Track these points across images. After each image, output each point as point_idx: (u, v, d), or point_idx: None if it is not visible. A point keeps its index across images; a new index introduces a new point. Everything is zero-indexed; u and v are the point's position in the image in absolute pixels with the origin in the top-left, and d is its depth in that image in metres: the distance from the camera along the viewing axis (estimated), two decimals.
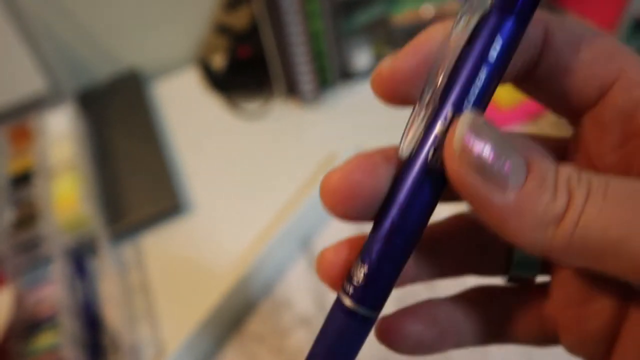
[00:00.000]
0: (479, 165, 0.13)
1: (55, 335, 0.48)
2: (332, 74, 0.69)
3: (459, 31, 0.14)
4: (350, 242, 0.17)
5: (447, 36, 0.15)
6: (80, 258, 0.55)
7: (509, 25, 0.14)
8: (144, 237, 0.58)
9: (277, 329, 0.48)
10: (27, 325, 0.49)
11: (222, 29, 0.73)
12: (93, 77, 0.75)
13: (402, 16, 0.67)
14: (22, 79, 0.64)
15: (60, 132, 0.62)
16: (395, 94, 0.16)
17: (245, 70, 0.72)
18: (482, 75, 0.14)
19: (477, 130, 0.13)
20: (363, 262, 0.15)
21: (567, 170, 0.13)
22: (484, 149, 0.13)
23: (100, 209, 0.58)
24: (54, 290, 0.50)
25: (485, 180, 0.13)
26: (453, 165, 0.13)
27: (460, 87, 0.14)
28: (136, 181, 0.61)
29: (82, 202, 0.55)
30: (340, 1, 0.63)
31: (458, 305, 0.19)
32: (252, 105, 0.70)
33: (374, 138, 0.61)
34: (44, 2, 0.67)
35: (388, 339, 0.18)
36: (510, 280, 0.18)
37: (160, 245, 0.57)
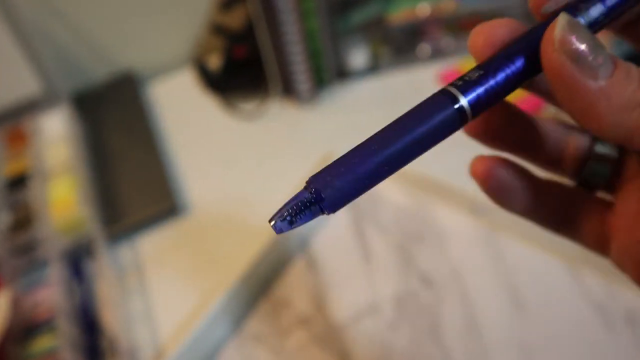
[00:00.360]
0: (575, 55, 0.15)
1: (53, 339, 0.48)
2: (328, 73, 0.68)
3: None
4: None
5: None
6: (78, 260, 0.55)
7: None
8: (141, 239, 0.57)
9: (276, 330, 0.48)
10: (25, 328, 0.48)
11: (217, 29, 0.73)
12: (89, 78, 0.75)
13: (398, 15, 0.67)
14: (17, 81, 0.64)
15: (56, 134, 0.61)
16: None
17: (241, 71, 0.72)
18: None
19: (574, 28, 0.15)
20: (480, 68, 0.17)
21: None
22: (581, 43, 0.15)
23: (97, 210, 0.58)
24: (51, 293, 0.50)
25: (580, 68, 0.15)
26: (552, 54, 0.15)
27: None
28: (133, 183, 0.61)
29: (78, 204, 0.54)
30: (336, 0, 0.63)
31: (542, 182, 0.21)
32: (249, 106, 0.70)
33: None
34: (38, 4, 0.67)
35: (479, 174, 0.21)
36: (579, 184, 0.21)
37: (157, 247, 0.57)
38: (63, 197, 0.56)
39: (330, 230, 0.55)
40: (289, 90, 0.69)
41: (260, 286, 0.51)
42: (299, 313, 0.49)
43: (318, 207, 0.16)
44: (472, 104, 0.16)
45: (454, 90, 0.16)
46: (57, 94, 0.68)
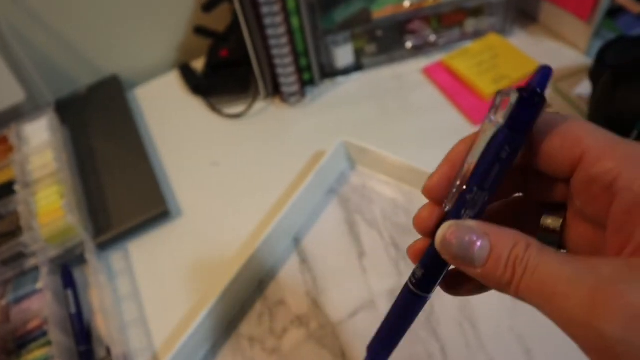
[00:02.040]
0: (453, 256, 0.21)
1: (45, 348, 0.47)
2: (315, 72, 0.68)
3: (480, 143, 0.21)
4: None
5: (468, 149, 0.22)
6: (68, 268, 0.54)
7: (517, 138, 0.20)
8: (132, 244, 0.57)
9: (271, 329, 0.48)
10: (17, 339, 0.48)
11: (201, 32, 0.72)
12: (74, 85, 0.75)
13: (381, 11, 0.67)
14: (1, 90, 0.63)
15: (42, 141, 0.61)
16: (439, 198, 0.24)
17: (226, 72, 0.71)
18: (495, 169, 0.21)
19: (452, 234, 0.21)
20: (422, 267, 0.24)
21: (516, 252, 0.19)
22: (456, 247, 0.20)
23: (87, 217, 0.57)
24: (42, 302, 0.49)
25: (461, 263, 0.21)
26: (441, 252, 0.21)
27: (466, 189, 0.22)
28: (122, 188, 0.60)
29: (66, 212, 0.54)
30: None
31: None
32: (236, 107, 0.70)
33: (360, 134, 0.62)
34: (19, 13, 0.66)
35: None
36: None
37: (149, 252, 0.56)
38: (51, 205, 0.55)
39: (322, 228, 0.55)
40: (276, 90, 0.69)
41: (254, 286, 0.51)
42: (295, 312, 0.49)
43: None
44: (427, 292, 0.24)
45: (414, 289, 0.24)
46: (42, 102, 0.68)
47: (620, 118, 0.48)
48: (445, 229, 0.21)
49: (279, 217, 0.52)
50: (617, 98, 0.49)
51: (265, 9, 0.59)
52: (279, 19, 0.60)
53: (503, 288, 0.20)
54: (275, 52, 0.63)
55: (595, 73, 0.56)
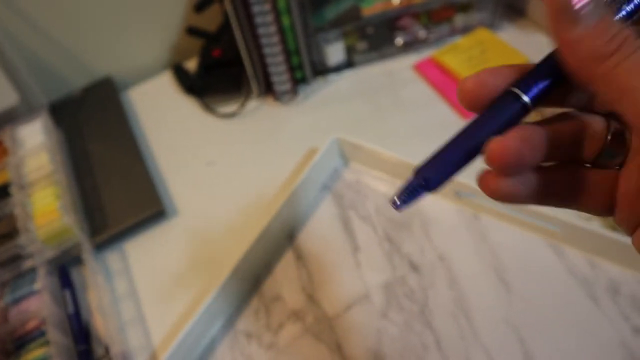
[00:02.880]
0: (561, 6, 0.18)
1: (44, 349, 0.47)
2: (306, 70, 0.69)
3: None
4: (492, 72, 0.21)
5: None
6: (66, 269, 0.55)
7: None
8: (129, 244, 0.57)
9: (268, 325, 0.49)
10: (15, 340, 0.48)
11: (193, 32, 0.73)
12: (67, 87, 0.75)
13: (371, 8, 0.68)
14: None
15: (37, 143, 0.61)
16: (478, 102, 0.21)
17: (219, 72, 0.72)
18: None
19: None
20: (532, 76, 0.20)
21: (627, 32, 0.17)
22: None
23: (83, 218, 0.58)
24: (40, 303, 0.50)
25: (563, 16, 0.18)
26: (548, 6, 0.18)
27: None
28: (118, 188, 0.61)
29: (62, 213, 0.54)
30: None
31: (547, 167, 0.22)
32: (230, 107, 0.70)
33: (352, 131, 0.62)
34: (11, 16, 0.66)
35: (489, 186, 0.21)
36: (594, 164, 0.22)
37: (145, 252, 0.57)
38: (47, 206, 0.55)
39: (316, 224, 0.55)
40: (268, 88, 0.69)
41: (250, 283, 0.52)
42: (291, 306, 0.50)
43: (424, 189, 0.21)
44: (533, 98, 0.20)
45: (520, 94, 0.20)
46: (36, 104, 0.68)
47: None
48: None
49: (274, 214, 0.53)
50: None
51: (255, 8, 0.60)
52: (269, 17, 0.61)
53: (594, 62, 0.17)
54: (266, 51, 0.64)
55: None
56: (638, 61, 0.17)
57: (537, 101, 0.20)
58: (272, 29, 0.62)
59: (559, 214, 0.48)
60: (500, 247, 0.50)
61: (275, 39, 0.63)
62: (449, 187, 0.53)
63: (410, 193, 0.21)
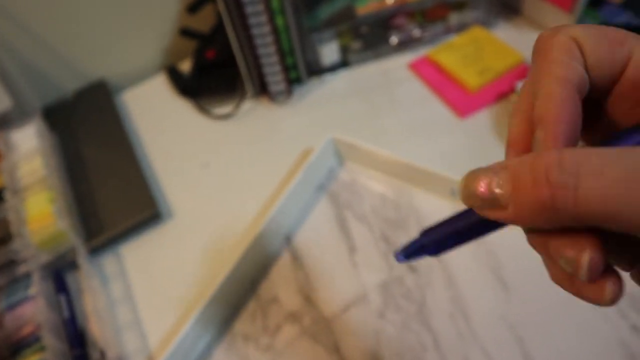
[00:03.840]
0: (479, 204, 0.19)
1: (40, 354, 0.47)
2: (301, 70, 0.69)
3: None
4: None
5: None
6: (60, 274, 0.54)
7: None
8: (125, 248, 0.57)
9: (265, 327, 0.48)
10: (11, 345, 0.48)
11: (186, 33, 0.73)
12: (61, 90, 0.74)
13: (365, 7, 0.67)
14: None
15: (30, 148, 0.60)
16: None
17: (214, 73, 0.71)
18: None
19: (470, 180, 0.19)
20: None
21: (547, 161, 0.16)
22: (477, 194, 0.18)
23: (77, 222, 0.57)
24: (34, 308, 0.49)
25: (491, 211, 0.18)
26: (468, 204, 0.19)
27: None
28: (113, 192, 0.60)
29: (57, 217, 0.54)
30: None
31: None
32: (224, 108, 0.70)
33: (348, 130, 0.62)
34: (4, 19, 0.66)
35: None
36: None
37: (141, 255, 0.56)
38: (41, 211, 0.55)
39: (312, 224, 0.55)
40: (263, 89, 0.69)
41: (246, 285, 0.51)
42: (288, 308, 0.49)
43: (427, 252, 0.22)
44: None
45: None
46: (29, 109, 0.68)
47: None
48: (461, 184, 0.19)
49: (269, 215, 0.52)
50: None
51: (249, 9, 0.59)
52: (263, 18, 0.60)
53: (552, 211, 0.16)
54: (261, 51, 0.63)
55: None
56: (590, 185, 0.15)
57: None
58: (266, 29, 0.61)
59: None
60: (497, 246, 0.50)
61: (269, 39, 0.62)
62: (444, 185, 0.53)
63: (413, 252, 0.22)
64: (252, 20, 0.60)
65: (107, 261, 0.56)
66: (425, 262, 0.50)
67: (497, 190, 0.17)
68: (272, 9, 0.61)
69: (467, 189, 0.18)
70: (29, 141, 0.61)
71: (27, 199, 0.56)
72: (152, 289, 0.54)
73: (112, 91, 0.75)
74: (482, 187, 0.18)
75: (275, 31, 0.63)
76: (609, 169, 0.15)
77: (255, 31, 0.61)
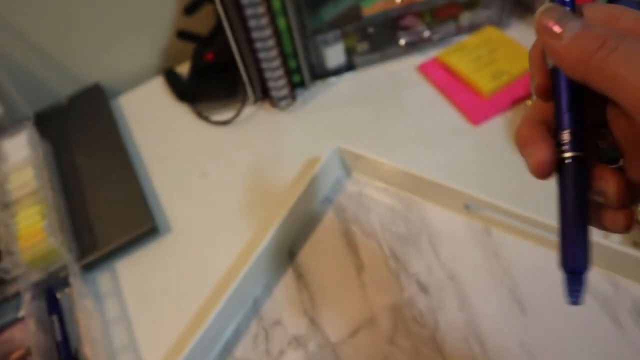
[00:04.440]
0: (545, 29, 0.22)
1: None
2: (305, 74, 0.66)
3: None
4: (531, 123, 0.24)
5: None
6: (52, 293, 0.52)
7: None
8: (120, 264, 0.54)
9: (267, 352, 0.46)
10: None
11: (183, 35, 0.69)
12: (55, 97, 0.71)
13: (372, 7, 0.64)
14: None
15: (21, 158, 0.58)
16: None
17: (213, 76, 0.68)
18: None
19: (545, 11, 0.22)
20: (562, 127, 0.22)
21: (607, 32, 0.20)
22: (547, 20, 0.22)
23: (70, 238, 0.55)
24: (25, 331, 0.47)
25: (549, 36, 0.22)
26: (537, 27, 0.22)
27: None
28: (107, 205, 0.57)
29: (49, 232, 0.51)
30: None
31: None
32: (225, 113, 0.67)
33: (354, 137, 0.59)
34: None
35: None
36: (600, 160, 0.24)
37: (137, 272, 0.54)
38: (32, 226, 0.52)
39: (318, 240, 0.52)
40: (265, 94, 0.66)
41: (248, 306, 0.49)
42: (292, 331, 0.46)
43: (580, 275, 0.23)
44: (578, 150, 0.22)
45: (569, 155, 0.22)
46: (20, 116, 0.65)
47: None
48: (538, 13, 0.22)
49: (272, 230, 0.49)
50: None
51: (249, 11, 0.56)
52: (264, 20, 0.57)
53: (585, 58, 0.20)
54: (262, 55, 0.60)
55: None
56: (622, 53, 0.19)
57: (581, 140, 0.22)
58: (267, 32, 0.58)
59: None
60: (513, 264, 0.47)
61: (271, 42, 0.59)
62: (457, 199, 0.50)
63: (574, 287, 0.23)
64: (252, 23, 0.57)
65: (102, 279, 0.54)
66: (437, 282, 0.47)
67: (563, 27, 0.21)
68: (273, 10, 0.58)
69: (540, 20, 0.22)
70: (20, 151, 0.59)
71: (17, 213, 0.53)
72: (148, 308, 0.51)
73: (108, 96, 0.72)
74: (550, 21, 0.22)
75: (276, 34, 0.60)
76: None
77: (255, 35, 0.58)
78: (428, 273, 0.48)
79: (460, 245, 0.49)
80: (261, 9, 0.56)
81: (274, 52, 0.60)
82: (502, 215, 0.48)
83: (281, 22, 0.60)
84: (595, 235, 0.44)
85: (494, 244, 0.49)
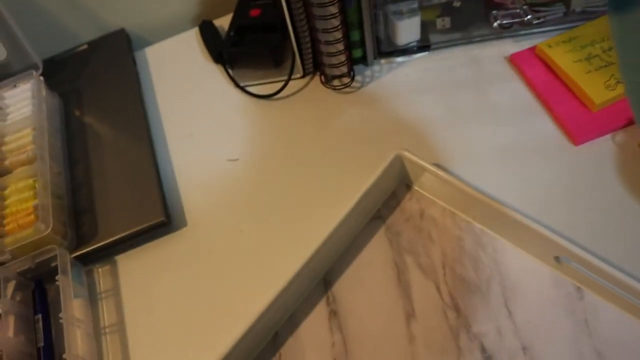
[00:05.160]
0: None
1: None
2: (369, 49, 0.53)
3: None
4: None
5: None
6: (41, 286, 0.44)
7: None
8: (121, 260, 0.46)
9: None
10: None
11: None
12: (77, 42, 0.61)
13: None
14: None
15: (21, 116, 0.49)
16: None
17: (257, 37, 0.57)
18: None
19: None
20: None
21: None
22: None
23: (67, 222, 0.46)
24: (2, 332, 0.39)
25: None
26: None
27: None
28: (116, 186, 0.48)
29: (40, 215, 0.42)
30: None
31: None
32: (265, 85, 0.56)
33: (418, 138, 0.48)
34: None
35: None
36: None
37: (140, 270, 0.45)
38: (23, 202, 0.44)
39: (361, 268, 0.42)
40: (317, 67, 0.54)
41: (267, 339, 0.40)
42: None
43: None
44: None
45: None
46: (30, 63, 0.55)
47: None
48: None
49: (310, 253, 0.39)
50: None
51: None
52: None
53: None
54: (319, 24, 0.48)
55: None
56: None
57: None
58: None
59: None
60: (606, 339, 0.36)
61: (332, 9, 0.47)
62: (544, 246, 0.39)
63: None
64: None
65: (100, 274, 0.45)
66: (506, 351, 0.37)
67: None
68: None
69: None
70: (23, 106, 0.49)
71: (8, 185, 0.45)
72: (149, 318, 0.43)
73: (136, 46, 0.61)
74: None
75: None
76: None
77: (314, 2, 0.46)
78: (496, 336, 0.38)
79: (542, 305, 0.39)
80: None
81: (335, 22, 0.48)
82: (600, 274, 0.37)
83: None
84: None
85: (585, 309, 0.38)
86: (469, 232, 0.43)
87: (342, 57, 0.51)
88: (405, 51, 0.55)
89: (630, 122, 0.47)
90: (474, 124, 0.49)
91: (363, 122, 0.51)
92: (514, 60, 0.54)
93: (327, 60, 0.51)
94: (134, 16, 0.62)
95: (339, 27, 0.49)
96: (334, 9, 0.47)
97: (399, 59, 0.56)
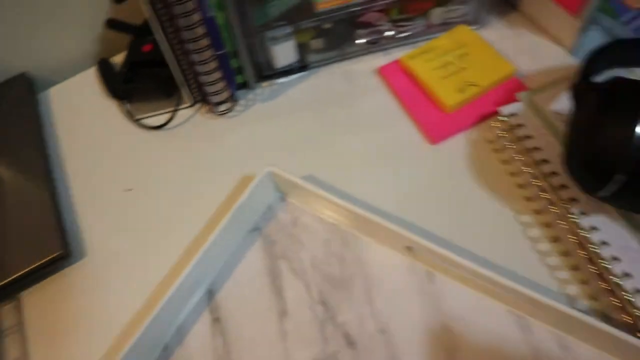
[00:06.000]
0: None
1: None
2: (249, 74, 0.58)
3: None
4: None
5: None
6: None
7: None
8: (26, 295, 0.49)
9: None
10: None
11: (115, 25, 0.62)
12: None
13: (328, 1, 0.56)
14: None
15: None
16: None
17: (150, 71, 0.61)
18: None
19: None
20: None
21: None
22: None
23: None
24: None
25: None
26: None
27: None
28: (14, 220, 0.51)
29: None
30: None
31: None
32: (158, 116, 0.60)
33: (298, 150, 0.52)
34: None
35: None
36: None
37: (44, 305, 0.48)
38: None
39: (241, 277, 0.46)
40: (203, 96, 0.59)
41: (157, 353, 0.43)
42: None
43: None
44: None
45: None
46: None
47: (598, 159, 0.39)
48: None
49: (191, 264, 0.44)
50: (601, 132, 0.39)
51: (177, 9, 0.48)
52: (195, 17, 0.49)
53: None
54: (194, 57, 0.53)
55: (579, 90, 0.45)
56: None
57: None
58: (199, 31, 0.50)
59: (531, 284, 0.39)
60: (456, 318, 0.41)
61: (204, 42, 0.51)
62: (399, 240, 0.44)
63: None
64: (182, 22, 0.49)
65: (4, 311, 0.48)
66: (367, 336, 0.42)
67: None
68: (207, 4, 0.50)
69: None
70: None
71: None
72: (53, 350, 0.46)
73: (39, 88, 0.65)
74: None
75: (214, 31, 0.52)
76: None
77: (186, 34, 0.50)
78: (358, 324, 0.42)
79: (398, 292, 0.44)
80: (191, 5, 0.48)
81: (207, 53, 0.52)
82: (448, 259, 0.42)
83: (219, 18, 0.52)
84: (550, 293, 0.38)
85: (436, 292, 0.43)
86: (335, 234, 0.47)
87: (221, 85, 0.55)
88: (285, 73, 0.60)
89: (479, 120, 0.53)
90: (345, 135, 0.54)
91: (244, 143, 0.56)
92: (382, 72, 0.59)
93: (208, 88, 0.56)
94: (37, 58, 0.66)
95: (214, 57, 0.53)
96: (205, 42, 0.52)
97: (280, 80, 0.60)
